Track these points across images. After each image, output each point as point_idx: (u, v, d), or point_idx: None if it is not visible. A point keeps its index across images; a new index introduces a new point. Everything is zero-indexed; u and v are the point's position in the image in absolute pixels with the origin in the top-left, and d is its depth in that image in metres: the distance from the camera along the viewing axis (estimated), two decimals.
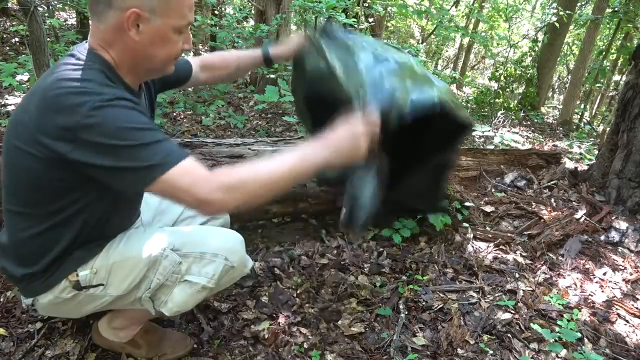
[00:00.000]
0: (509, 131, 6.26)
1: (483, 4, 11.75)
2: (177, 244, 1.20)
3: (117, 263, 1.16)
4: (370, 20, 5.54)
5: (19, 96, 4.08)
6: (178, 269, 1.19)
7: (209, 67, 1.53)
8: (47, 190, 1.02)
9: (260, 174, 0.99)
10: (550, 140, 6.42)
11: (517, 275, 2.02)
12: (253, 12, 6.13)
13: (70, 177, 0.99)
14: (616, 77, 10.22)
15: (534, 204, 2.56)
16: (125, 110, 0.94)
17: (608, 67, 9.46)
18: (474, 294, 1.88)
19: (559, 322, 1.70)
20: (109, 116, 0.92)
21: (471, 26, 11.94)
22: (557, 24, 7.47)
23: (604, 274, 2.08)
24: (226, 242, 1.24)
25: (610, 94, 10.59)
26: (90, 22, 1.03)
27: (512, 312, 1.77)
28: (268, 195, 1.01)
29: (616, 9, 7.65)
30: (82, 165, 0.95)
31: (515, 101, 8.79)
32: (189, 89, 4.87)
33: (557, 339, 1.61)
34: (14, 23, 6.10)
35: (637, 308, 1.86)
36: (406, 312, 1.73)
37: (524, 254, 2.19)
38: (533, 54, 8.82)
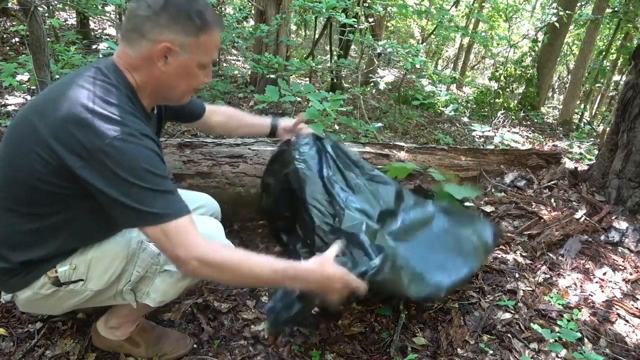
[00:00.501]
0: (509, 131, 6.26)
1: (483, 4, 11.75)
2: None
3: (96, 258, 1.17)
4: (370, 20, 5.54)
5: (19, 96, 4.08)
6: (157, 260, 1.21)
7: (217, 114, 1.61)
8: (44, 193, 1.02)
9: (242, 267, 1.05)
10: (550, 140, 6.42)
11: (517, 275, 2.02)
12: (253, 12, 6.14)
13: (72, 186, 1.00)
14: (616, 77, 10.22)
15: (534, 204, 2.56)
16: (146, 150, 0.98)
17: (608, 67, 9.47)
18: (474, 294, 1.88)
19: (559, 322, 1.70)
20: (129, 151, 0.95)
21: (471, 26, 11.94)
22: (557, 24, 7.47)
23: (604, 274, 2.07)
24: (204, 230, 1.25)
25: (610, 94, 10.59)
26: (119, 43, 1.08)
27: (512, 312, 1.77)
28: (234, 284, 1.13)
29: (616, 9, 7.65)
30: (86, 182, 0.96)
31: (515, 101, 8.79)
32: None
33: (557, 339, 1.61)
34: (14, 23, 6.10)
35: (637, 308, 1.85)
36: (406, 312, 1.73)
37: (524, 254, 2.19)
38: (533, 54, 8.82)
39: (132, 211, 0.97)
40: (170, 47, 1.02)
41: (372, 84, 6.87)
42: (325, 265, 1.14)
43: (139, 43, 1.02)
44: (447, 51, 15.79)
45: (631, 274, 2.06)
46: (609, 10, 7.95)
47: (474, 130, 4.93)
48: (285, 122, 1.69)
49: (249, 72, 6.06)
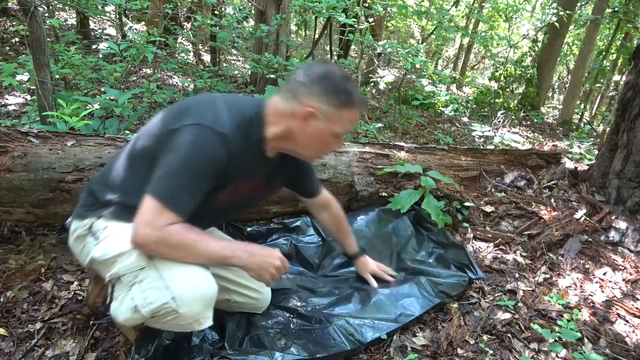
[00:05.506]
0: (509, 131, 6.26)
1: (483, 4, 11.75)
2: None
3: (118, 233, 1.19)
4: (370, 20, 5.53)
5: (19, 96, 4.07)
6: (137, 273, 1.15)
7: (327, 211, 1.73)
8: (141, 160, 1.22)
9: (196, 248, 1.14)
10: (550, 140, 6.42)
11: (517, 275, 2.02)
12: (253, 12, 6.14)
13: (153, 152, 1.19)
14: (616, 77, 10.22)
15: (534, 204, 2.56)
16: (208, 153, 1.12)
17: (608, 67, 9.46)
18: (474, 294, 1.88)
19: (559, 322, 1.70)
20: (196, 139, 1.11)
21: (471, 26, 11.94)
22: (557, 24, 7.47)
23: (604, 274, 2.07)
24: (190, 288, 1.13)
25: (610, 94, 10.58)
26: (277, 93, 1.27)
27: (512, 312, 1.77)
28: (185, 261, 1.15)
29: (616, 9, 7.65)
30: (161, 148, 1.16)
31: (515, 101, 8.79)
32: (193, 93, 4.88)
33: (557, 339, 1.61)
34: (14, 23, 6.10)
35: (637, 308, 1.85)
36: None
37: (524, 254, 2.19)
38: (533, 54, 8.82)
39: (155, 176, 1.12)
40: (314, 112, 1.19)
41: (372, 84, 6.87)
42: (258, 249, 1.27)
43: (290, 101, 1.22)
44: (447, 51, 15.79)
45: (631, 274, 2.06)
46: (609, 10, 7.94)
47: (474, 130, 4.93)
48: (367, 262, 1.83)
49: (249, 72, 6.06)
